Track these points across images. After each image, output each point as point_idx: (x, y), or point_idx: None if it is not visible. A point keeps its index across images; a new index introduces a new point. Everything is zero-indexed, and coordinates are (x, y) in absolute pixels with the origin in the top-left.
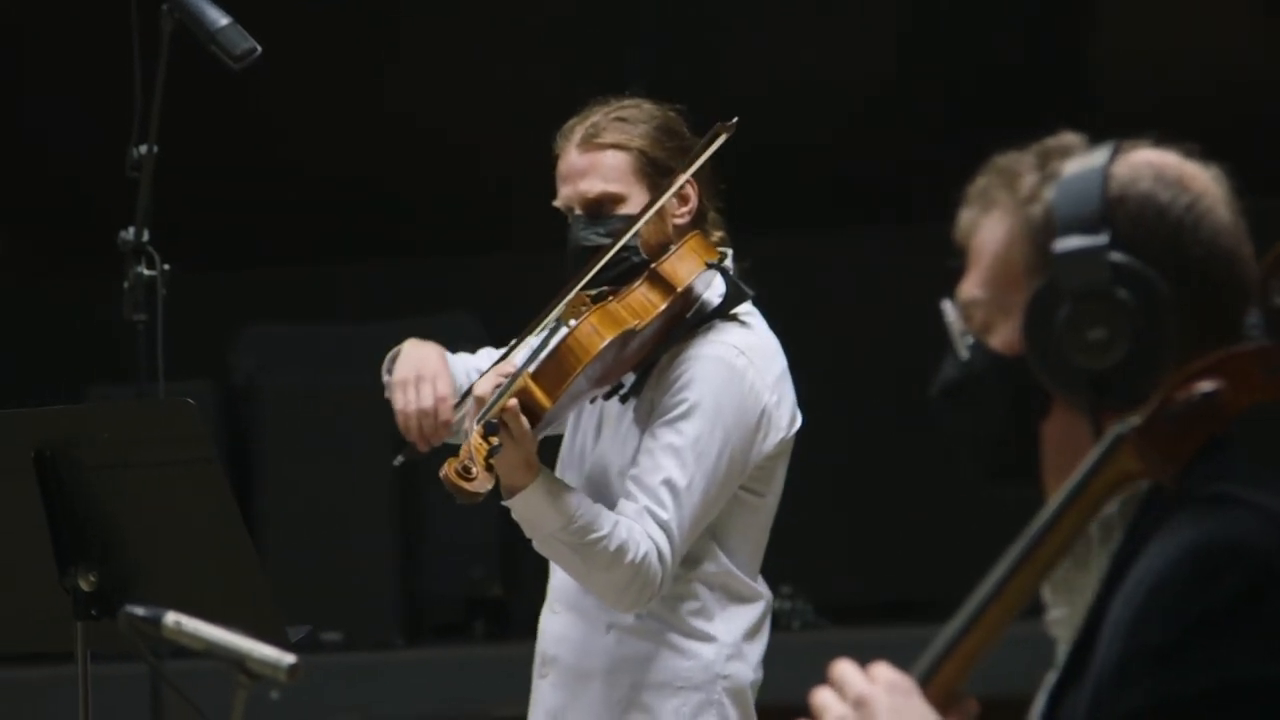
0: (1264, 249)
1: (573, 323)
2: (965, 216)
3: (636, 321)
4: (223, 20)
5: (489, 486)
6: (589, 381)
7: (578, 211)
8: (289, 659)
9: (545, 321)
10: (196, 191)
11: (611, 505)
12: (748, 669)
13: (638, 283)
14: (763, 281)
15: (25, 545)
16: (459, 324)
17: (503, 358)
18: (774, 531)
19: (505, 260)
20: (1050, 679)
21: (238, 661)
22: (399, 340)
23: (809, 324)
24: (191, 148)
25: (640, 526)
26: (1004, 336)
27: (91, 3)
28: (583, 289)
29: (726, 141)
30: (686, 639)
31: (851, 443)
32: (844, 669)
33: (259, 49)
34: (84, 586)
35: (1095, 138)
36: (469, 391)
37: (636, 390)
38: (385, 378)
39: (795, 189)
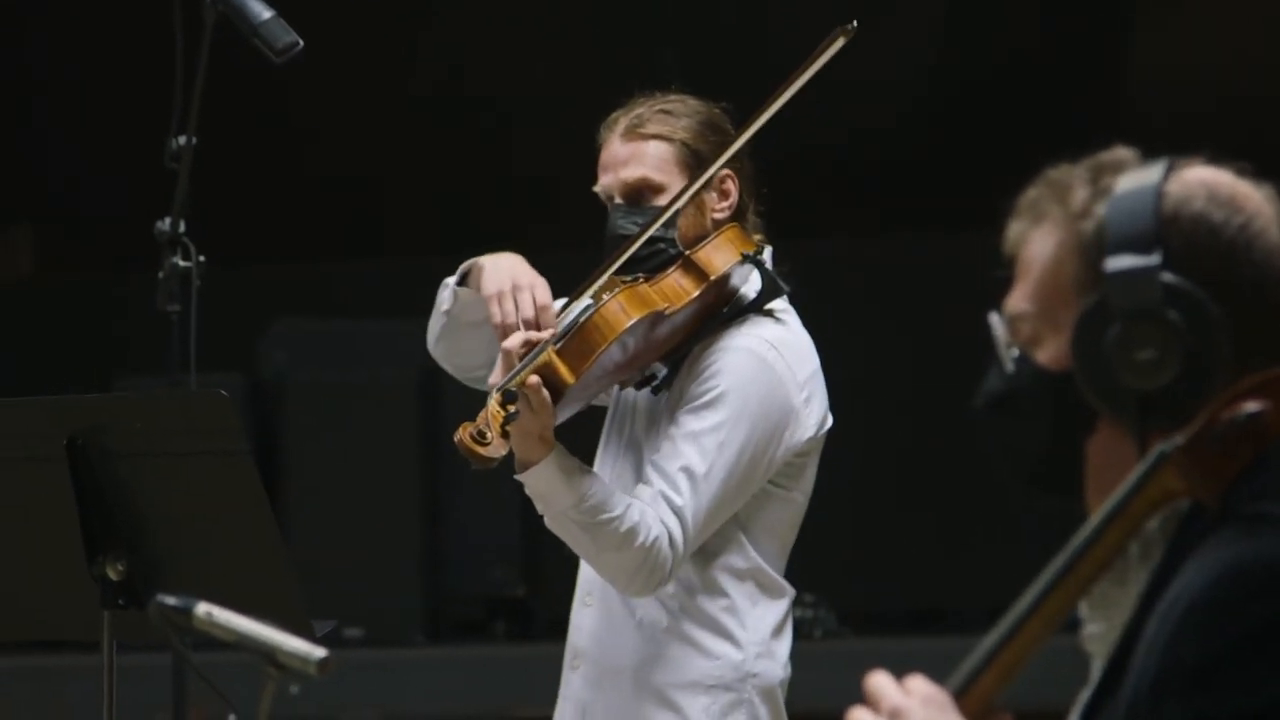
0: None
1: (601, 300)
2: (1015, 228)
3: (666, 305)
4: (266, 14)
5: (502, 453)
6: (614, 362)
7: (617, 199)
8: (320, 652)
9: (578, 304)
10: (230, 185)
11: None
12: (777, 666)
13: (672, 269)
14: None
15: (55, 533)
16: None
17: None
18: (798, 539)
19: (539, 256)
20: (1084, 696)
21: (268, 654)
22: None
23: (834, 327)
24: (228, 141)
25: (654, 511)
26: (1051, 351)
27: None
28: (618, 275)
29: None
30: (716, 637)
31: (876, 451)
32: (879, 681)
33: (301, 43)
34: (112, 575)
35: (1136, 149)
36: (570, 303)
37: (669, 382)
38: (451, 293)
39: (824, 192)
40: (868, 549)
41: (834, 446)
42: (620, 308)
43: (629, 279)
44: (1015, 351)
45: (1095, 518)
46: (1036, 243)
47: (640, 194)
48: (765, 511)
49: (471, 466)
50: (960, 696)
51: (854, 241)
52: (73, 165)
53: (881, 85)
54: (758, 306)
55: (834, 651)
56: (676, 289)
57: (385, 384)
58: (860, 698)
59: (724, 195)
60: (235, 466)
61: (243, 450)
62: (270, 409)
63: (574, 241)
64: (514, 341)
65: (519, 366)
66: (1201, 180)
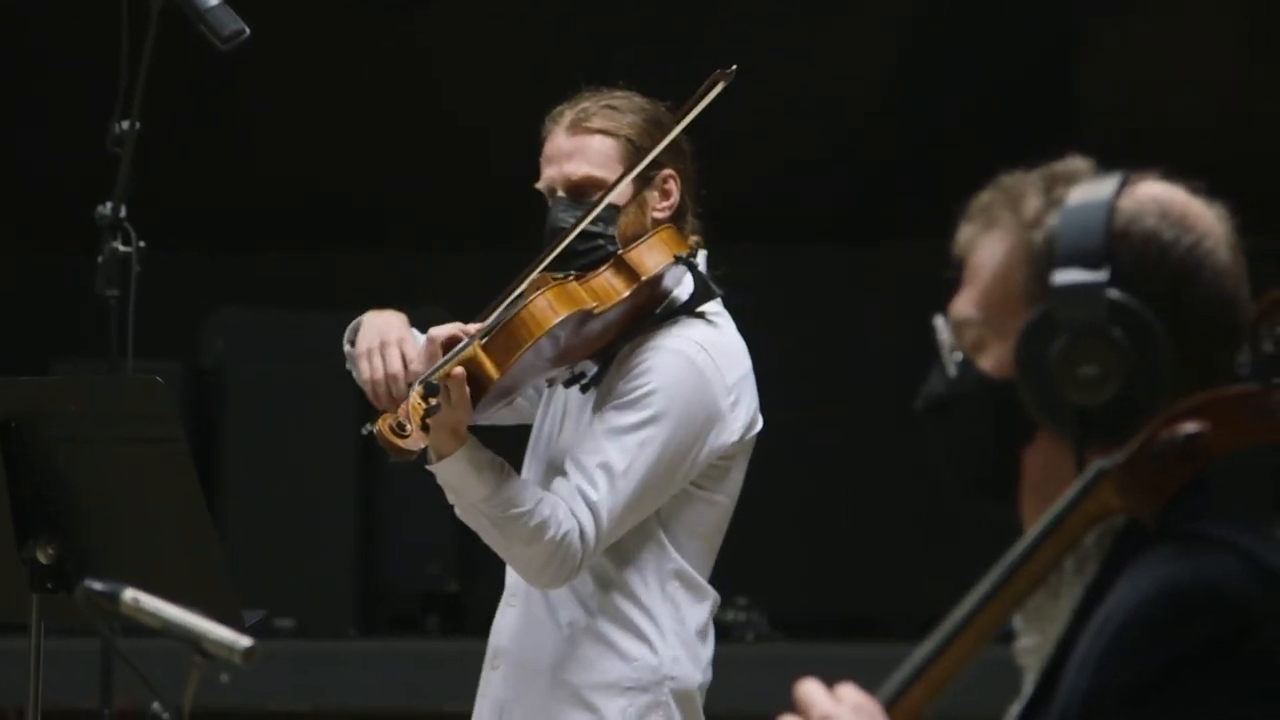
0: (1251, 287)
1: (530, 296)
2: (965, 231)
3: (595, 304)
4: (213, 0)
5: (421, 446)
6: (541, 359)
7: (560, 193)
8: (245, 641)
9: (509, 299)
10: (174, 171)
11: None
12: (696, 671)
13: (604, 267)
14: (746, 291)
15: None
16: (432, 318)
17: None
18: (731, 542)
19: (480, 256)
20: (1015, 709)
21: (194, 641)
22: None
23: (779, 335)
24: (179, 128)
25: (566, 505)
26: (995, 359)
27: None
28: (550, 271)
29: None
30: (634, 639)
31: (814, 457)
32: (810, 689)
33: (247, 31)
34: (42, 559)
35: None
36: (443, 363)
37: (598, 380)
38: (347, 349)
39: (771, 205)
40: (802, 554)
41: (772, 454)
42: (548, 305)
43: (561, 275)
44: (959, 355)
45: (1031, 532)
46: (986, 248)
47: (584, 190)
48: (687, 513)
49: (389, 459)
50: (891, 707)
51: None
52: (16, 147)
53: (831, 101)
54: (689, 308)
55: (765, 655)
56: (607, 288)
57: (324, 376)
58: (790, 703)
59: (665, 195)
60: (170, 453)
61: (177, 437)
62: (209, 397)
63: (521, 236)
64: (443, 331)
65: (444, 359)
66: (1154, 197)
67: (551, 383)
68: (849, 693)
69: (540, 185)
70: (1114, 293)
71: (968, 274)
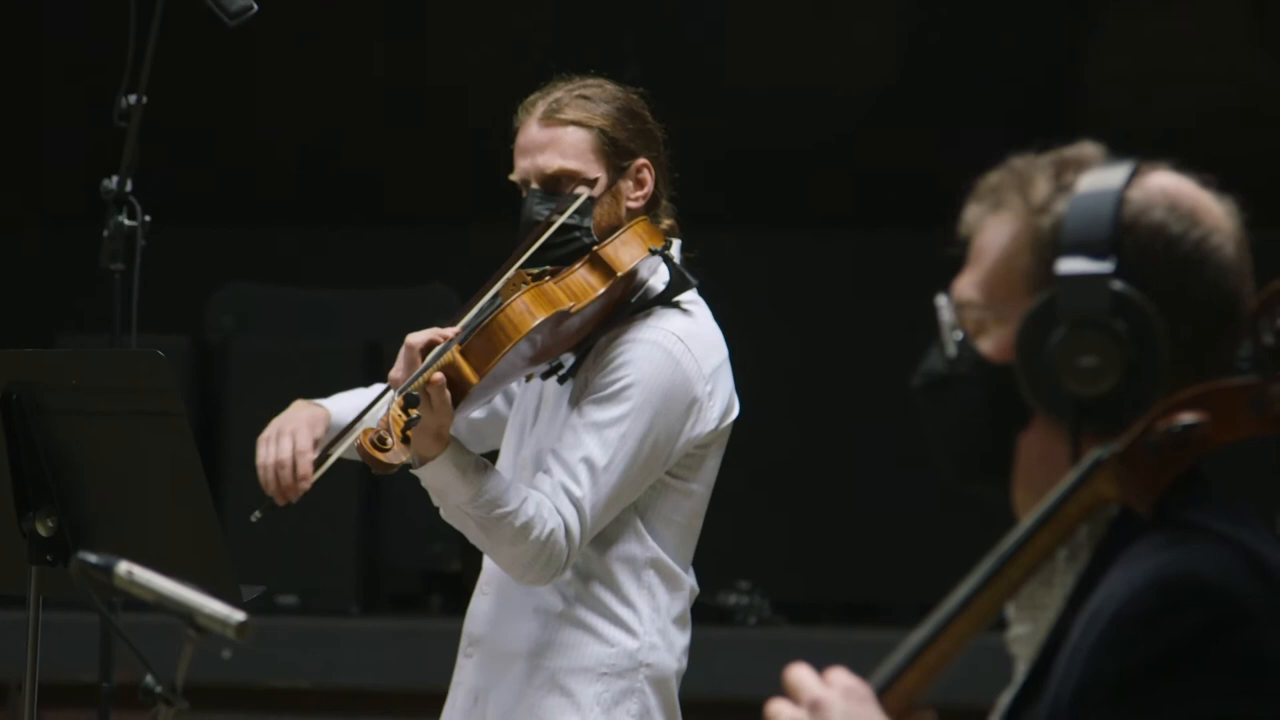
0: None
1: (507, 298)
2: (973, 211)
3: (572, 303)
4: None
5: (403, 459)
6: (520, 360)
7: (534, 185)
8: (238, 616)
9: (485, 297)
10: (184, 146)
11: None
12: (671, 658)
13: (579, 264)
14: (748, 277)
15: None
16: (437, 296)
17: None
18: (734, 527)
19: (484, 234)
20: (1006, 697)
21: (187, 615)
22: (378, 307)
23: (770, 319)
24: (181, 101)
25: (551, 502)
26: (995, 342)
27: None
28: (526, 266)
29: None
30: (611, 625)
31: (819, 441)
32: (799, 673)
33: (255, 7)
34: (41, 531)
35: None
36: (337, 437)
37: (574, 372)
38: None
39: (783, 189)
40: (804, 538)
41: (776, 435)
42: (525, 307)
43: (536, 272)
44: (959, 335)
45: (1027, 520)
46: (992, 230)
47: (558, 182)
48: (663, 502)
49: (372, 471)
50: (884, 693)
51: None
52: (27, 120)
53: (838, 87)
54: (665, 299)
55: (767, 639)
56: (583, 285)
57: (330, 353)
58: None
59: (640, 185)
60: (170, 427)
61: (178, 411)
62: (215, 372)
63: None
64: (419, 337)
65: (421, 367)
66: (1164, 189)
67: (529, 378)
68: (840, 676)
69: (514, 177)
70: (1118, 284)
71: (972, 254)
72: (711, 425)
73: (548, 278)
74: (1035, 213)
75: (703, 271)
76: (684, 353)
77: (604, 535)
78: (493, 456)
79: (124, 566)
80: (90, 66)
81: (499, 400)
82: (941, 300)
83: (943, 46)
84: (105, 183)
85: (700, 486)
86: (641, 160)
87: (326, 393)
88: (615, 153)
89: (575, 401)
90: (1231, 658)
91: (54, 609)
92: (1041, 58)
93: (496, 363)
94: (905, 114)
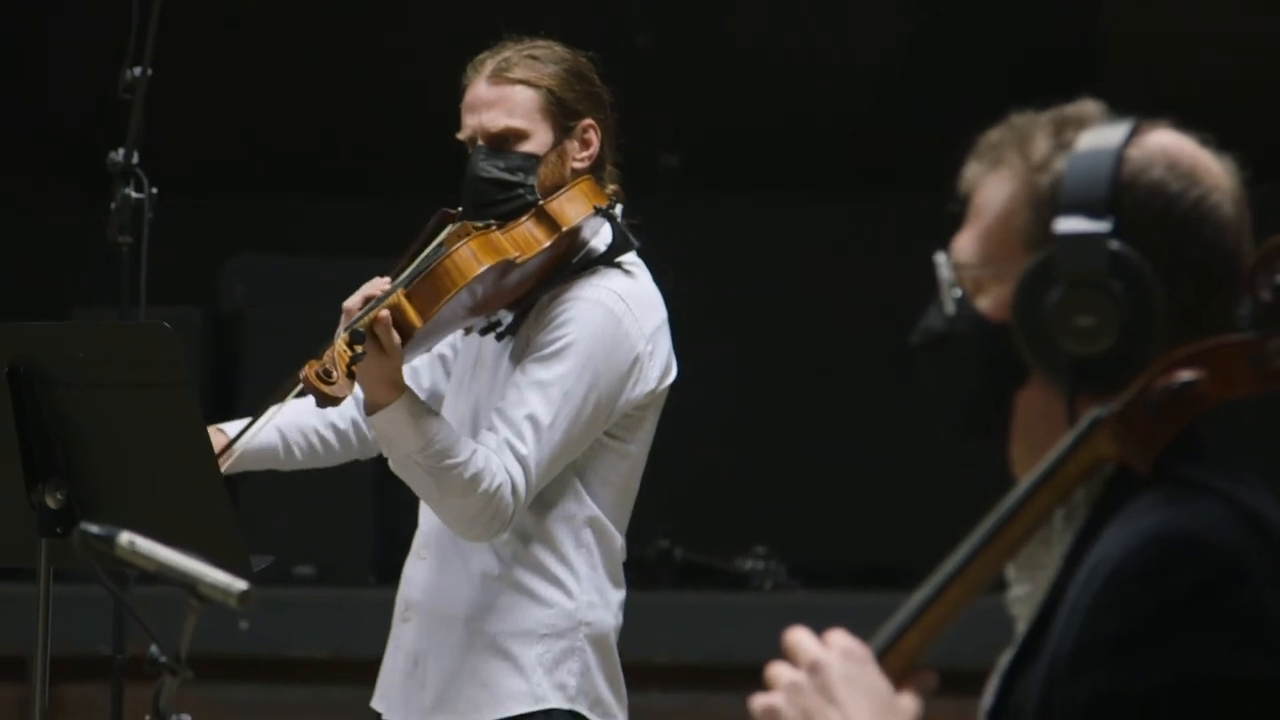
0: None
1: (453, 245)
2: (972, 168)
3: (517, 254)
4: None
5: (347, 393)
6: (462, 308)
7: (480, 142)
8: (240, 585)
9: (429, 246)
10: (194, 117)
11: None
12: (609, 615)
13: (525, 218)
14: (755, 241)
15: None
16: None
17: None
18: (749, 492)
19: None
20: (1006, 658)
21: (189, 585)
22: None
23: (784, 283)
24: (192, 73)
25: (498, 458)
26: (992, 300)
27: None
28: (469, 220)
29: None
30: (549, 586)
31: (833, 405)
32: (798, 636)
33: None
34: (50, 504)
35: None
36: (235, 440)
37: (514, 329)
38: None
39: (795, 159)
40: (820, 502)
41: (790, 399)
42: (472, 254)
43: (481, 225)
44: (957, 292)
45: (1025, 480)
46: (991, 188)
47: (504, 140)
48: (600, 462)
49: (317, 404)
50: (884, 655)
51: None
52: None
53: (849, 51)
54: (608, 259)
55: (783, 604)
56: (528, 238)
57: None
58: None
59: (585, 145)
60: (176, 398)
61: (184, 382)
62: (229, 342)
63: None
64: (354, 301)
65: (367, 307)
66: (1163, 147)
67: (468, 331)
68: (839, 638)
69: (461, 135)
70: (1116, 244)
71: (971, 212)
72: (651, 385)
73: (494, 227)
74: (1034, 170)
75: (649, 236)
76: (625, 312)
77: (543, 495)
78: None
79: (125, 537)
80: (96, 38)
81: (440, 373)
82: (940, 258)
83: (956, 13)
84: (112, 155)
85: (636, 447)
86: (588, 121)
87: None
88: (562, 113)
89: (517, 359)
90: (1229, 614)
91: (69, 582)
92: (1058, 19)
93: (441, 307)
94: (918, 78)
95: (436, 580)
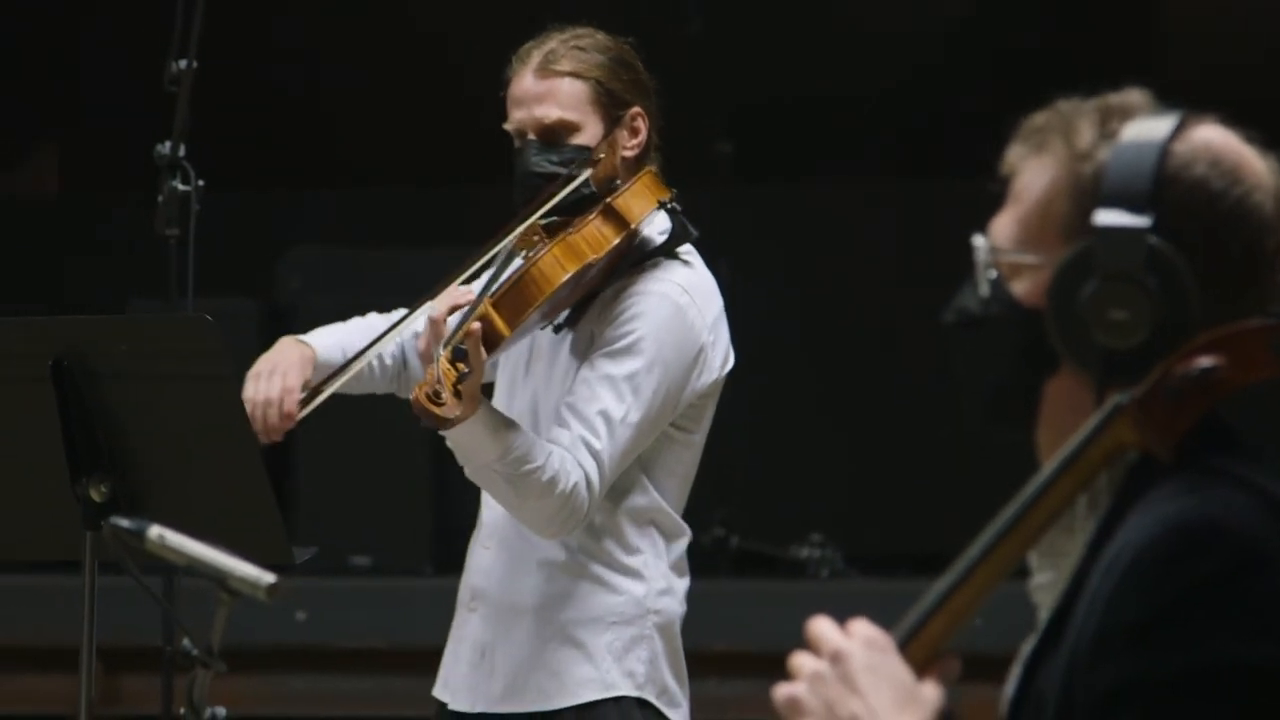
0: None
1: (532, 253)
2: (1015, 151)
3: (594, 255)
4: None
5: (457, 413)
6: (543, 314)
7: (531, 136)
8: (269, 578)
9: (499, 249)
10: (253, 109)
11: (542, 436)
12: (676, 604)
13: (592, 216)
14: (818, 224)
15: (40, 453)
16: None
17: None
18: (806, 479)
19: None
20: (1026, 648)
21: (219, 578)
22: (443, 268)
23: (842, 265)
24: (251, 64)
25: (572, 456)
26: (1027, 285)
27: None
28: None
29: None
30: (617, 574)
31: (889, 393)
32: (821, 626)
33: None
34: (95, 497)
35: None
36: (328, 379)
37: (572, 322)
38: None
39: (845, 139)
40: (876, 490)
41: (847, 387)
42: (556, 261)
43: (546, 223)
44: (993, 274)
45: (1048, 467)
46: (1032, 173)
47: (555, 133)
48: (667, 454)
49: (421, 425)
50: (907, 642)
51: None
52: (104, 85)
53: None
54: (667, 250)
55: (840, 591)
56: (599, 237)
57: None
58: None
59: (634, 133)
60: (219, 391)
61: (228, 375)
62: (284, 334)
63: None
64: (440, 310)
65: (460, 318)
66: (1208, 144)
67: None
68: (861, 627)
69: (509, 127)
70: (1154, 240)
71: (1011, 195)
72: (714, 374)
73: (569, 230)
74: (1077, 159)
75: (704, 223)
76: (689, 304)
77: (610, 488)
78: None
79: (155, 530)
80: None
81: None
82: (978, 240)
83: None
84: (158, 148)
85: (700, 436)
86: (636, 109)
87: None
88: (611, 103)
89: (581, 354)
90: (1249, 601)
91: (117, 574)
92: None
93: (528, 316)
94: (980, 54)
95: (503, 569)
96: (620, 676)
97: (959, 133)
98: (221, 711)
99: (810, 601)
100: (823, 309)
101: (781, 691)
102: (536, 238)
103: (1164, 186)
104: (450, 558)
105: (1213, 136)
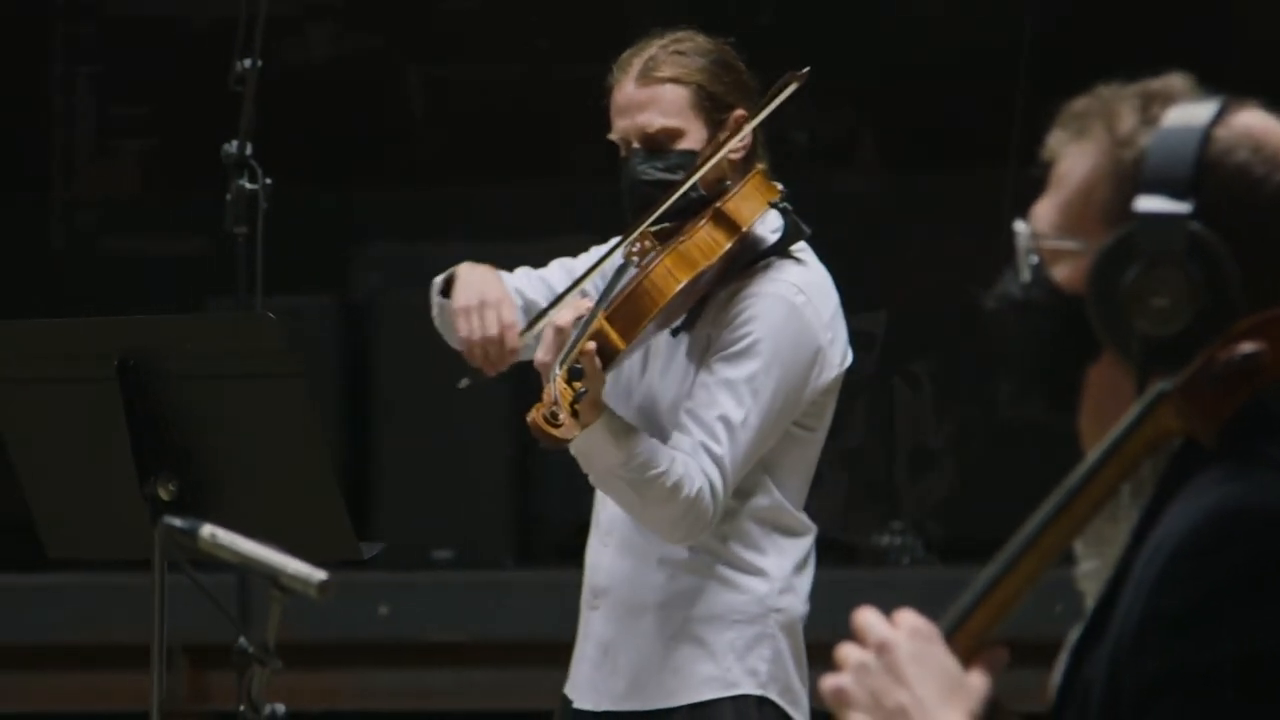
0: None
1: (643, 262)
2: (1056, 136)
3: (706, 263)
4: None
5: (575, 434)
6: (657, 324)
7: (635, 145)
8: (319, 575)
9: (611, 256)
10: (332, 106)
11: (660, 439)
12: (799, 602)
13: (702, 221)
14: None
15: (108, 453)
16: (581, 247)
17: (565, 292)
18: (888, 467)
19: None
20: (1073, 635)
21: (271, 576)
22: (522, 262)
23: (922, 252)
24: (337, 62)
25: (695, 462)
26: (1068, 272)
27: None
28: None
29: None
30: (739, 573)
31: (968, 380)
32: (866, 616)
33: None
34: (163, 495)
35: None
36: (540, 315)
37: (689, 325)
38: (438, 300)
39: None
40: (958, 477)
41: (927, 374)
42: (668, 271)
43: (656, 229)
44: (1035, 259)
45: (1091, 455)
46: (1073, 158)
47: (659, 141)
48: (790, 453)
49: (541, 446)
50: (953, 632)
51: None
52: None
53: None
54: (780, 249)
55: (921, 580)
56: (710, 243)
57: None
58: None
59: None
60: (284, 389)
61: (292, 373)
62: (362, 330)
63: None
64: (564, 318)
65: (574, 336)
66: (1250, 130)
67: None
68: (907, 617)
69: (613, 136)
70: (1195, 226)
71: (1052, 181)
72: (835, 371)
73: (679, 238)
74: (1118, 145)
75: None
76: (805, 303)
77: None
78: None
79: (208, 529)
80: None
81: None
82: (1020, 225)
83: None
84: (225, 147)
85: (821, 434)
86: (739, 112)
87: None
88: (713, 107)
89: (697, 357)
90: None
91: (208, 571)
92: None
93: (644, 328)
94: (1060, 45)
95: (625, 568)
96: (743, 674)
97: (1037, 121)
98: (281, 708)
99: (891, 590)
100: (907, 293)
101: (828, 683)
102: (649, 244)
103: (1205, 172)
104: (531, 550)
105: (1254, 122)
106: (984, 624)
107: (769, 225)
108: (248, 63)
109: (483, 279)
